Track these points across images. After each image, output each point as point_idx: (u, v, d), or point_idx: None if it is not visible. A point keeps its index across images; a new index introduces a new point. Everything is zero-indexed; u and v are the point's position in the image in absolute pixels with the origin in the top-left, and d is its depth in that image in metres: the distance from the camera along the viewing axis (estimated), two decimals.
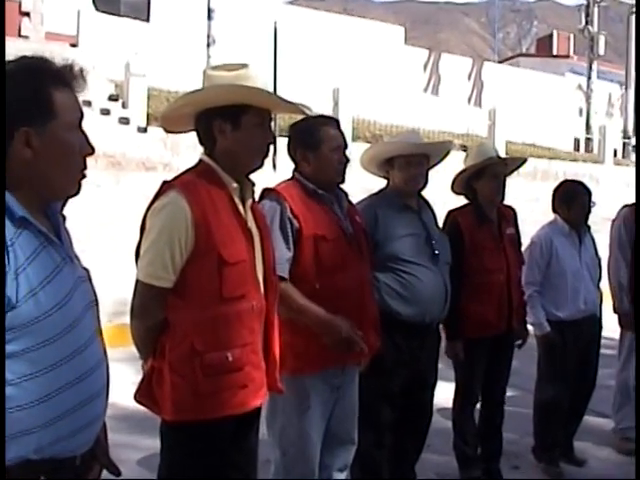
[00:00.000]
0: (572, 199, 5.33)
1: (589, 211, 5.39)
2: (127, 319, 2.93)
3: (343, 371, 3.76)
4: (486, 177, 4.87)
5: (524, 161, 5.32)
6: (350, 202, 3.93)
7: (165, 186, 2.94)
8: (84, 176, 2.08)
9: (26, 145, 1.95)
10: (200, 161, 3.06)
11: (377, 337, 3.83)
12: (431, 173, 4.43)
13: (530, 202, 11.69)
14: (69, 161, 2.04)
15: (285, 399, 3.54)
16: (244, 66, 3.04)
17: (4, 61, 1.98)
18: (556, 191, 5.46)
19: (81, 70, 2.08)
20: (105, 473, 2.26)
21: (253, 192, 3.11)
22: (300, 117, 3.76)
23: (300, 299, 3.50)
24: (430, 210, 4.50)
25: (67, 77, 2.05)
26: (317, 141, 3.70)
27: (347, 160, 3.77)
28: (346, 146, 3.80)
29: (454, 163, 5.09)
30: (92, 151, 2.08)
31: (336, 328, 3.50)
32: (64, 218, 2.15)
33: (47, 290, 1.93)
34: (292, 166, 3.87)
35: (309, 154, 3.72)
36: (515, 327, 4.93)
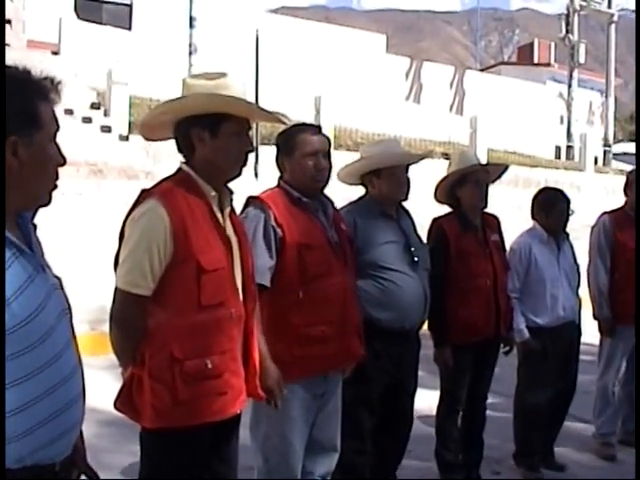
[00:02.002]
0: (550, 206, 5.37)
1: (567, 218, 5.43)
2: (104, 327, 2.94)
3: (326, 379, 3.77)
4: (469, 184, 4.89)
5: (506, 168, 5.34)
6: (336, 210, 3.95)
7: (144, 194, 2.95)
8: (56, 186, 2.11)
9: (13, 155, 1.98)
10: (179, 169, 3.07)
11: (360, 345, 3.84)
12: (414, 181, 4.46)
13: (512, 210, 11.72)
14: (48, 172, 2.08)
15: (269, 407, 3.55)
16: (223, 75, 3.06)
17: (4, 61, 2.00)
18: (535, 198, 5.49)
19: (59, 83, 2.11)
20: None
21: (231, 200, 3.12)
22: (283, 126, 3.78)
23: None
24: (409, 217, 4.53)
25: (48, 90, 2.08)
26: (291, 147, 3.73)
27: (329, 166, 3.77)
28: (328, 152, 3.79)
29: (436, 171, 5.11)
30: (64, 162, 2.11)
31: (268, 375, 3.33)
32: (35, 227, 2.16)
33: (20, 300, 1.94)
34: (274, 174, 3.89)
35: (286, 160, 3.76)
36: (503, 333, 4.97)
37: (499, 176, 5.26)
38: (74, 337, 2.18)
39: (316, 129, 3.86)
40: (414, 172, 4.56)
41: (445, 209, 5.06)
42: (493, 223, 5.08)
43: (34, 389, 1.97)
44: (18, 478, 1.96)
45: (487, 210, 5.04)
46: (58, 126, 2.11)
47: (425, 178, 6.45)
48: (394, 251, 4.28)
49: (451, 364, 4.79)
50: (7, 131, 1.97)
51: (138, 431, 3.00)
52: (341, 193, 4.45)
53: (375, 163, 4.43)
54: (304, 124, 4.02)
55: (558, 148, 30.06)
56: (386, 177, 4.35)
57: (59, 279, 2.17)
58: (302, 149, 3.71)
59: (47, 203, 2.11)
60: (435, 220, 4.96)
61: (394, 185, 4.35)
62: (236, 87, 3.03)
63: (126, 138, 12.82)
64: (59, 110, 2.13)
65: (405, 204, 4.53)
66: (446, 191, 4.98)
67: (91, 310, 7.46)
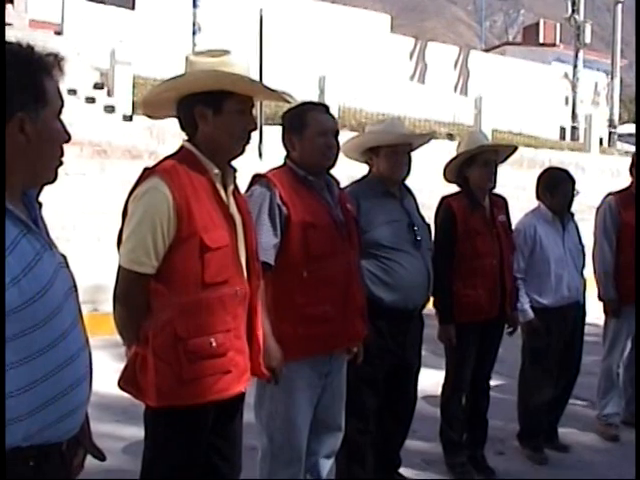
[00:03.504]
0: (555, 186, 5.35)
1: (572, 198, 5.42)
2: (106, 307, 2.93)
3: (331, 358, 3.77)
4: (477, 164, 4.89)
5: (515, 149, 5.33)
6: (341, 189, 3.93)
7: (146, 172, 2.94)
8: (61, 163, 2.09)
9: (20, 131, 1.96)
10: (182, 147, 3.06)
11: (364, 325, 3.84)
12: (418, 161, 4.44)
13: (516, 190, 11.72)
14: (54, 148, 2.06)
15: (273, 386, 3.56)
16: (226, 52, 3.05)
17: (4, 60, 1.97)
18: (540, 178, 5.48)
19: (62, 59, 2.09)
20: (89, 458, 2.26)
21: (235, 178, 3.11)
22: (287, 106, 3.76)
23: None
24: (412, 197, 4.52)
25: (51, 65, 2.06)
26: (302, 125, 3.70)
27: (337, 145, 3.76)
28: (337, 131, 3.78)
29: (441, 151, 5.11)
30: (69, 139, 2.09)
31: (271, 354, 3.37)
32: (40, 205, 2.15)
33: (29, 278, 1.93)
34: (278, 154, 3.88)
35: (295, 139, 3.72)
36: (508, 312, 4.97)
37: (507, 157, 5.25)
38: (81, 316, 2.17)
39: (325, 108, 3.85)
40: (418, 152, 4.55)
41: (450, 189, 5.05)
42: (501, 204, 5.08)
43: (42, 367, 1.96)
44: (26, 456, 1.95)
45: (493, 191, 5.04)
46: (62, 102, 2.09)
47: (429, 158, 6.43)
48: (397, 231, 4.27)
49: (455, 342, 4.80)
50: (13, 108, 1.94)
51: (139, 411, 3.00)
52: (346, 172, 4.44)
53: (373, 140, 4.43)
54: (312, 102, 4.01)
55: (563, 129, 29.98)
56: (384, 156, 4.34)
57: (64, 257, 2.16)
58: (314, 127, 3.69)
59: (53, 180, 2.10)
60: (444, 198, 4.96)
61: (392, 164, 4.33)
62: (239, 65, 3.01)
63: (130, 118, 12.80)
64: (62, 89, 2.11)
65: (409, 183, 4.51)
66: (455, 171, 4.98)
67: (92, 290, 7.47)
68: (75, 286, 2.15)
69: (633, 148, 21.87)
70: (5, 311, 1.88)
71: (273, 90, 3.16)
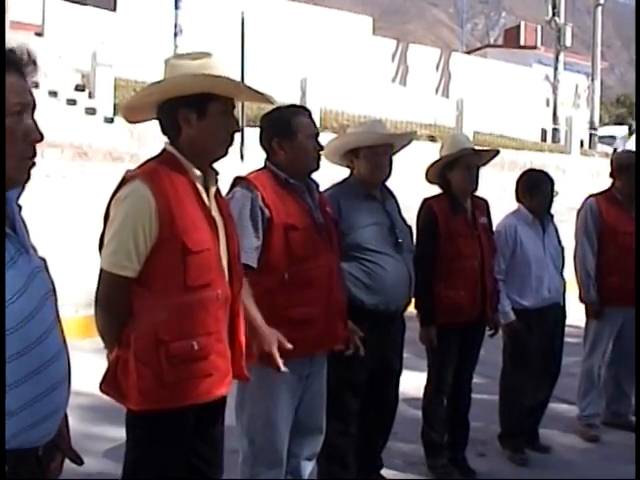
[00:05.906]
0: (535, 188, 5.38)
1: (552, 199, 5.45)
2: (90, 310, 2.91)
3: (311, 361, 3.78)
4: (459, 167, 4.92)
5: (497, 152, 5.37)
6: (320, 192, 3.94)
7: (128, 175, 2.93)
8: (34, 164, 2.03)
9: None
10: (164, 150, 3.05)
11: (345, 327, 3.85)
12: (400, 163, 4.44)
13: (498, 192, 11.73)
14: (8, 148, 1.96)
15: (253, 388, 3.56)
16: (207, 55, 3.04)
17: (4, 59, 1.95)
18: (520, 180, 5.51)
19: (30, 54, 2.03)
20: (67, 463, 2.26)
21: (217, 181, 3.10)
22: (269, 108, 3.77)
23: (247, 298, 3.40)
24: (394, 199, 4.53)
25: (16, 61, 2.00)
26: (293, 130, 3.71)
27: (321, 148, 3.80)
28: (318, 134, 3.82)
29: (422, 153, 5.12)
30: (41, 138, 2.02)
31: (264, 339, 3.43)
32: (20, 208, 2.11)
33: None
34: (260, 156, 3.88)
35: (285, 143, 3.72)
36: (489, 314, 5.00)
37: (490, 159, 5.28)
38: (59, 319, 2.15)
39: (307, 112, 3.87)
40: (399, 154, 4.56)
41: (431, 190, 5.07)
42: (482, 206, 5.11)
43: (18, 371, 1.94)
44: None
45: (476, 193, 5.06)
46: (29, 99, 2.01)
47: (410, 160, 6.44)
48: (378, 233, 4.28)
49: (435, 343, 4.81)
50: None
51: (124, 414, 2.99)
52: (327, 174, 4.45)
53: (354, 141, 4.45)
54: (294, 105, 4.02)
55: (544, 131, 30.07)
56: (364, 157, 4.35)
57: (44, 260, 2.14)
58: (304, 131, 3.73)
59: (25, 181, 2.03)
60: (425, 200, 4.99)
61: (372, 166, 4.35)
62: (220, 67, 3.01)
63: (111, 120, 12.73)
64: (43, 92, 2.07)
65: (390, 185, 4.52)
66: (437, 173, 5.01)
67: (78, 293, 7.43)
68: (54, 290, 2.13)
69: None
70: None
71: (256, 91, 3.16)
